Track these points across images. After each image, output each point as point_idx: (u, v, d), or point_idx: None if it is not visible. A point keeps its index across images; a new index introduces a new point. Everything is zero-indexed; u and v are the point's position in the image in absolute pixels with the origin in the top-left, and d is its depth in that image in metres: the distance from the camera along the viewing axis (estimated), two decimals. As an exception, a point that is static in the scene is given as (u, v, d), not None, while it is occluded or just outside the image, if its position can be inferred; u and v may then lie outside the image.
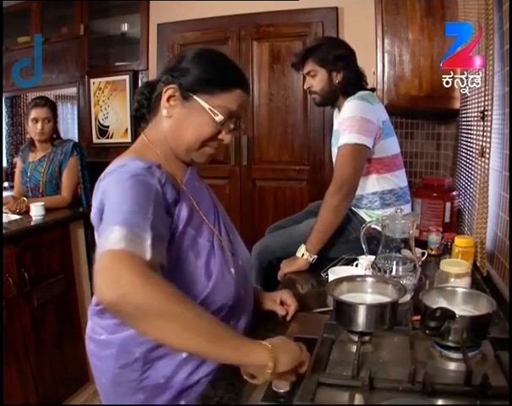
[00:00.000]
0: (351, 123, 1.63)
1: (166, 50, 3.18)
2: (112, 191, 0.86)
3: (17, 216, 2.30)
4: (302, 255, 1.60)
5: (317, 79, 1.74)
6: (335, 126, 1.83)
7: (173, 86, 0.97)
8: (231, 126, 1.00)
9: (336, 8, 2.84)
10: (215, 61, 1.01)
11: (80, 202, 2.59)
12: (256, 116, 3.05)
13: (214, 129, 0.98)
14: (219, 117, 0.96)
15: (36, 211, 2.27)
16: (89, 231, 2.49)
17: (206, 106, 0.96)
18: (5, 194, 2.72)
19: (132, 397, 0.97)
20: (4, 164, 3.99)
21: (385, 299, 1.01)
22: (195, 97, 0.96)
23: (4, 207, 2.35)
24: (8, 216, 2.29)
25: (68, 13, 3.51)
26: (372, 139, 1.65)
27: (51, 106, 2.55)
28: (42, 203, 2.31)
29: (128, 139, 3.34)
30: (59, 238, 2.28)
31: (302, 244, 1.61)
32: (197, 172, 1.10)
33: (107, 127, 3.46)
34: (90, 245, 2.48)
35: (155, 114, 1.03)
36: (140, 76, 3.38)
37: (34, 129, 2.50)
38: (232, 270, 1.01)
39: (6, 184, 3.41)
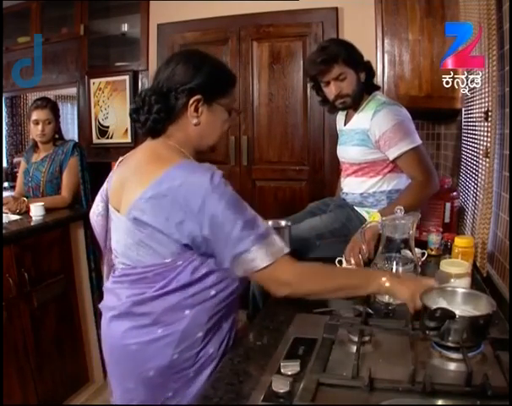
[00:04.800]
0: (400, 129, 1.67)
1: (166, 50, 3.18)
2: (218, 204, 1.02)
3: (17, 216, 2.30)
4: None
5: (347, 81, 1.70)
6: (350, 125, 1.82)
7: (198, 97, 1.09)
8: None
9: (336, 9, 2.84)
10: (217, 65, 1.16)
11: (80, 202, 2.59)
12: (256, 116, 3.05)
13: (229, 123, 1.19)
14: (233, 113, 1.18)
15: (36, 211, 2.26)
16: (89, 231, 2.48)
17: (226, 107, 1.14)
18: (5, 194, 2.72)
19: (183, 374, 1.04)
20: (4, 164, 3.99)
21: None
22: (218, 102, 1.13)
23: (4, 207, 2.35)
24: (8, 216, 2.29)
25: (68, 13, 3.50)
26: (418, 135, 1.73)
27: (53, 108, 2.54)
28: (42, 203, 2.31)
29: (128, 140, 3.29)
30: (59, 238, 2.27)
31: (376, 211, 1.66)
32: None
33: (107, 127, 3.45)
34: (90, 245, 2.48)
35: (176, 121, 1.11)
36: (140, 76, 3.38)
37: (35, 131, 2.51)
38: None
39: (6, 184, 3.41)
